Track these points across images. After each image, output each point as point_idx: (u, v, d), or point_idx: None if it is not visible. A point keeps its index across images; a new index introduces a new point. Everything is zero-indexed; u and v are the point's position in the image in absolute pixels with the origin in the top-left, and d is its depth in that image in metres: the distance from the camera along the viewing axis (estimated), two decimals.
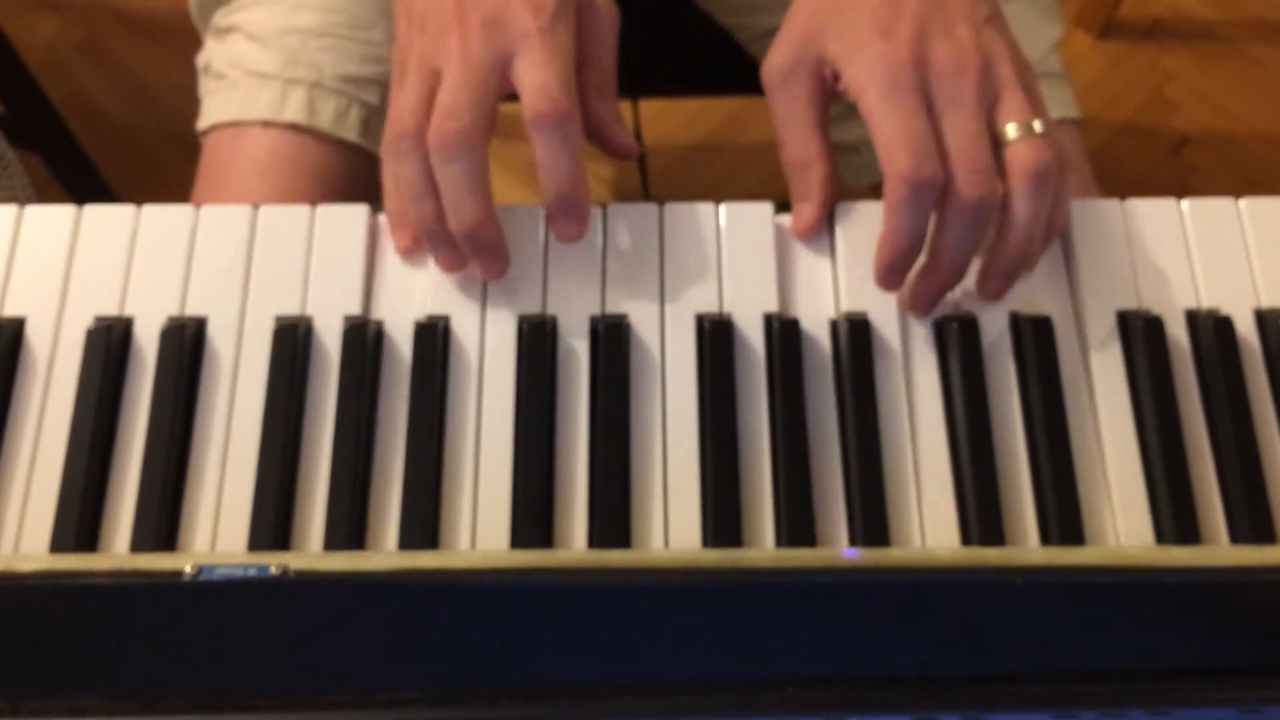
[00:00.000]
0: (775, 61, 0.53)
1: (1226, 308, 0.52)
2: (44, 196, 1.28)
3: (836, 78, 0.51)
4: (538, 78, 0.48)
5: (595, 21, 0.53)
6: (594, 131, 0.53)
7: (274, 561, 0.44)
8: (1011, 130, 0.48)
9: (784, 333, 0.51)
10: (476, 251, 0.50)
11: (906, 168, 0.47)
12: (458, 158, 0.47)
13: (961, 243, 0.49)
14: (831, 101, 0.53)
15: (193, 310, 0.52)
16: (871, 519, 0.48)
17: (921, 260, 0.50)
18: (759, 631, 0.42)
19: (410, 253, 0.53)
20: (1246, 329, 0.52)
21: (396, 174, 0.50)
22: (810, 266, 0.53)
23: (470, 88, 0.48)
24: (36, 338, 0.51)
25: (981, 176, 0.47)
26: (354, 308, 0.52)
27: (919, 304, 0.52)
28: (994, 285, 0.51)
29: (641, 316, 0.52)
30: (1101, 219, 0.54)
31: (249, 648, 0.42)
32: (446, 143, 0.47)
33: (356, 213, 0.54)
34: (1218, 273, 0.53)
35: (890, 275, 0.51)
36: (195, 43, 0.75)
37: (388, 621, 0.42)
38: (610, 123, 0.54)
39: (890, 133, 0.48)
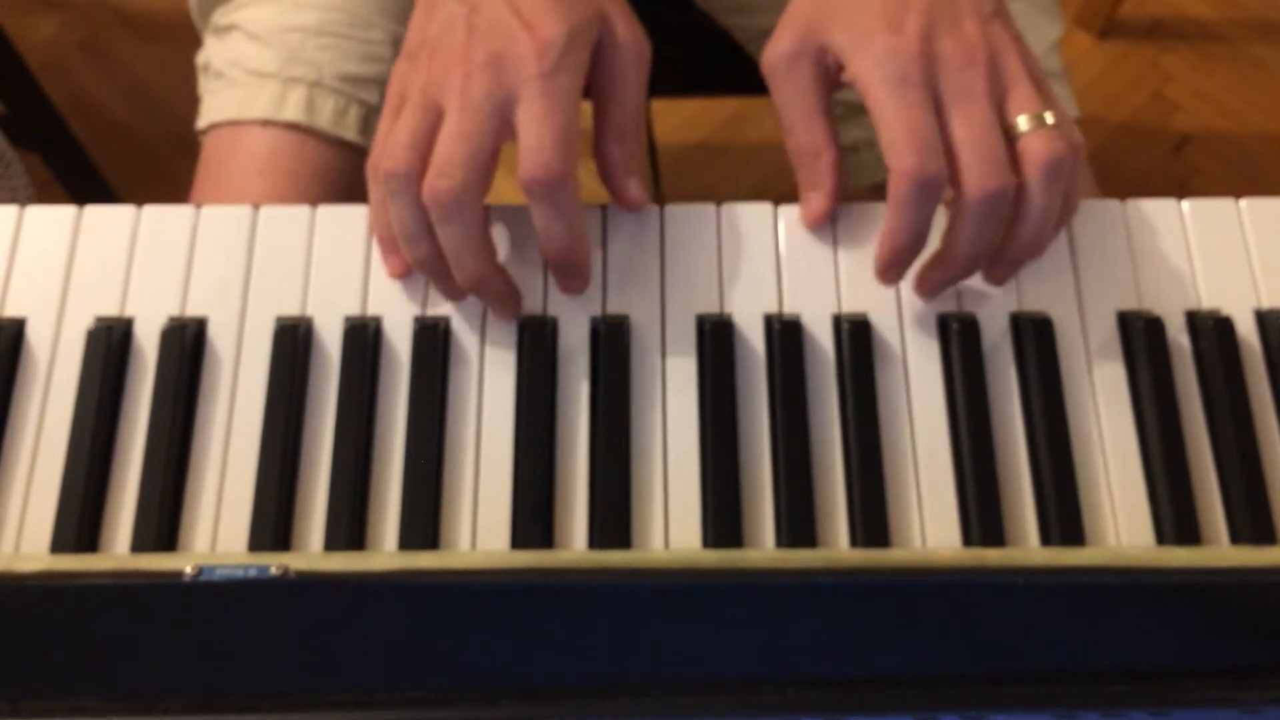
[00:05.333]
0: (778, 49, 0.52)
1: (1227, 308, 0.52)
2: (44, 196, 1.28)
3: (840, 68, 0.51)
4: (533, 137, 0.47)
5: (617, 57, 0.50)
6: (606, 177, 0.52)
7: (274, 561, 0.44)
8: (1024, 122, 0.48)
9: (784, 333, 0.51)
10: (484, 298, 0.51)
11: (911, 164, 0.47)
12: (453, 217, 0.47)
13: (976, 235, 0.48)
14: (834, 91, 0.53)
15: (193, 310, 0.52)
16: (871, 519, 0.48)
17: (936, 250, 0.50)
18: (759, 631, 0.42)
19: (403, 276, 0.52)
20: (1247, 329, 0.52)
21: (386, 208, 0.49)
22: (810, 266, 0.53)
23: (467, 139, 0.47)
24: (37, 338, 0.51)
25: (995, 167, 0.47)
26: (354, 308, 0.52)
27: (926, 287, 0.51)
28: (1003, 271, 0.51)
29: (642, 316, 0.52)
30: (1101, 219, 0.54)
31: (249, 648, 0.42)
32: (440, 201, 0.46)
33: (356, 213, 0.54)
34: (1218, 273, 0.53)
35: (890, 271, 0.51)
36: (195, 42, 0.75)
37: (388, 621, 0.42)
38: (622, 171, 0.52)
39: (896, 128, 0.47)
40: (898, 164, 0.47)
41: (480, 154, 0.47)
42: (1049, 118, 0.48)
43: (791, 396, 0.50)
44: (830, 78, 0.52)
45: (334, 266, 0.53)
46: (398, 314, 0.52)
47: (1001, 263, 0.51)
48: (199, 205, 0.54)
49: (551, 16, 0.48)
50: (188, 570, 0.43)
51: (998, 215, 0.48)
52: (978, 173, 0.47)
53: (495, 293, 0.50)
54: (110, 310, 0.52)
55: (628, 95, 0.51)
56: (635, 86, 0.51)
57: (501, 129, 0.48)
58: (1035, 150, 0.47)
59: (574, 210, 0.48)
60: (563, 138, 0.47)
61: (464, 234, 0.47)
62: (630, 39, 0.51)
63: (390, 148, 0.48)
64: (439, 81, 0.48)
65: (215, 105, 0.69)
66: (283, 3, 0.70)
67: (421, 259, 0.50)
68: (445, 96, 0.48)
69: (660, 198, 0.57)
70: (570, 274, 0.51)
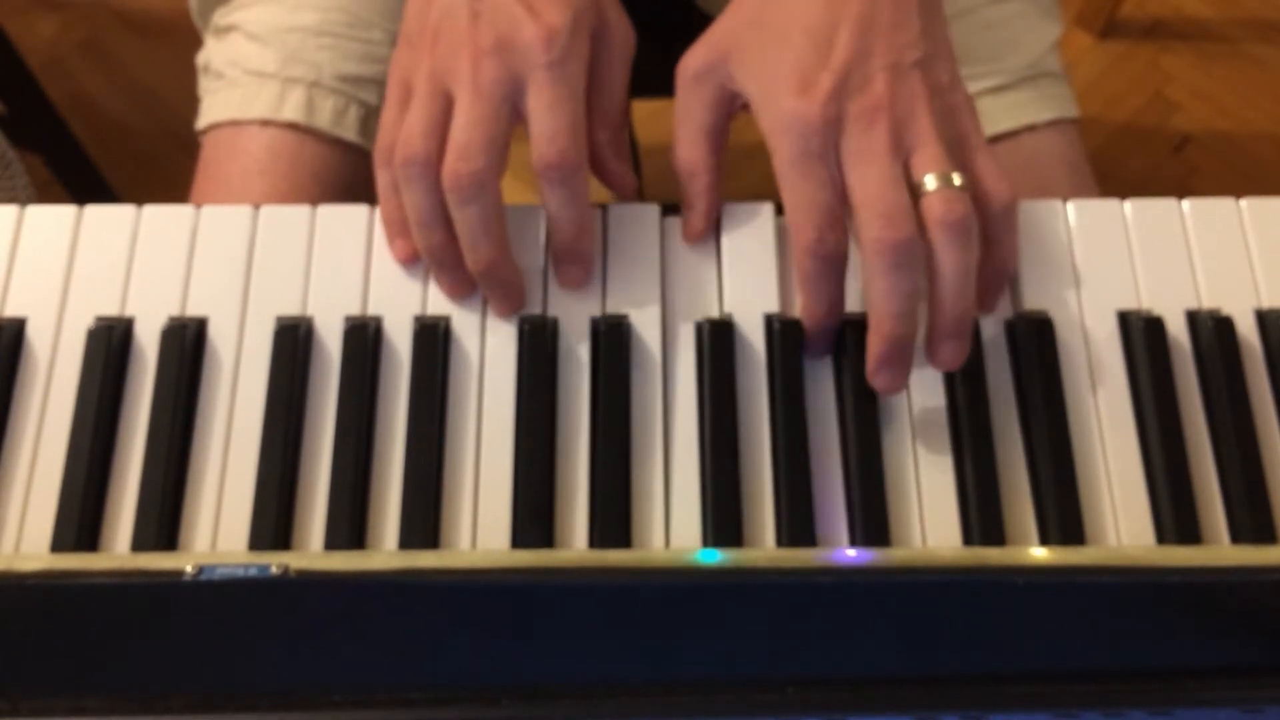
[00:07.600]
0: (689, 62, 0.52)
1: (1227, 308, 0.52)
2: (44, 196, 1.28)
3: (742, 104, 0.51)
4: (547, 125, 0.48)
5: (608, 45, 0.51)
6: (595, 163, 0.52)
7: (274, 561, 0.44)
8: (930, 182, 0.46)
9: (784, 333, 0.51)
10: (490, 288, 0.51)
11: (809, 238, 0.47)
12: (473, 200, 0.48)
13: (888, 290, 0.46)
14: (731, 119, 0.53)
15: (193, 310, 0.52)
16: (872, 519, 0.48)
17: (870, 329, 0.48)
18: (759, 631, 0.42)
19: (411, 261, 0.52)
20: (1247, 329, 0.52)
21: (402, 197, 0.50)
22: None
23: (484, 125, 0.47)
24: (37, 338, 0.51)
25: (891, 219, 0.46)
26: (354, 308, 0.52)
27: (881, 375, 0.48)
28: (944, 348, 0.48)
29: (642, 316, 0.52)
30: (1101, 219, 0.54)
31: (249, 647, 0.42)
32: (461, 184, 0.47)
33: (357, 213, 0.54)
34: (1218, 273, 0.53)
35: (817, 344, 0.50)
36: (195, 42, 0.75)
37: (388, 621, 0.42)
38: (610, 155, 0.52)
39: (796, 204, 0.48)
40: (798, 240, 0.48)
41: (497, 138, 0.48)
42: (956, 179, 0.46)
43: (791, 396, 0.50)
44: (729, 105, 0.52)
45: (334, 266, 0.53)
46: (398, 314, 0.52)
47: (937, 337, 0.48)
48: (199, 205, 0.54)
49: (554, 1, 0.48)
50: (188, 569, 0.43)
51: (904, 266, 0.46)
52: (874, 228, 0.46)
53: (504, 281, 0.50)
54: (110, 310, 0.52)
55: (615, 83, 0.52)
56: (622, 75, 0.52)
57: (513, 114, 0.48)
58: (934, 210, 0.46)
59: (585, 195, 0.49)
60: (575, 124, 0.48)
61: (482, 217, 0.48)
62: (619, 27, 0.52)
63: (405, 135, 0.49)
64: (446, 67, 0.49)
65: (215, 105, 0.69)
66: (282, 3, 0.70)
67: (433, 246, 0.50)
68: (454, 82, 0.48)
69: (647, 197, 0.57)
70: (576, 261, 0.51)
